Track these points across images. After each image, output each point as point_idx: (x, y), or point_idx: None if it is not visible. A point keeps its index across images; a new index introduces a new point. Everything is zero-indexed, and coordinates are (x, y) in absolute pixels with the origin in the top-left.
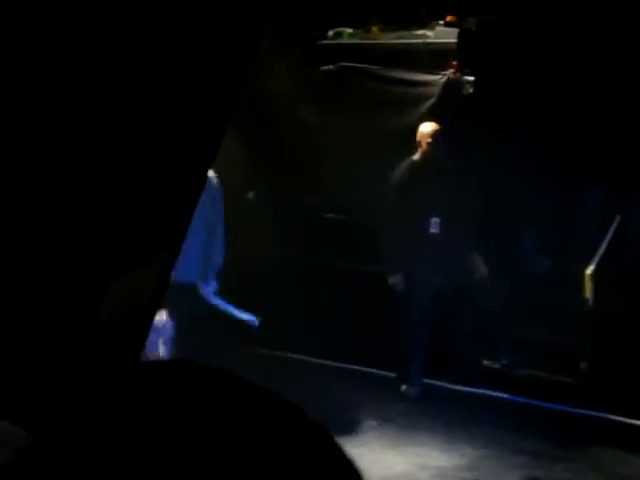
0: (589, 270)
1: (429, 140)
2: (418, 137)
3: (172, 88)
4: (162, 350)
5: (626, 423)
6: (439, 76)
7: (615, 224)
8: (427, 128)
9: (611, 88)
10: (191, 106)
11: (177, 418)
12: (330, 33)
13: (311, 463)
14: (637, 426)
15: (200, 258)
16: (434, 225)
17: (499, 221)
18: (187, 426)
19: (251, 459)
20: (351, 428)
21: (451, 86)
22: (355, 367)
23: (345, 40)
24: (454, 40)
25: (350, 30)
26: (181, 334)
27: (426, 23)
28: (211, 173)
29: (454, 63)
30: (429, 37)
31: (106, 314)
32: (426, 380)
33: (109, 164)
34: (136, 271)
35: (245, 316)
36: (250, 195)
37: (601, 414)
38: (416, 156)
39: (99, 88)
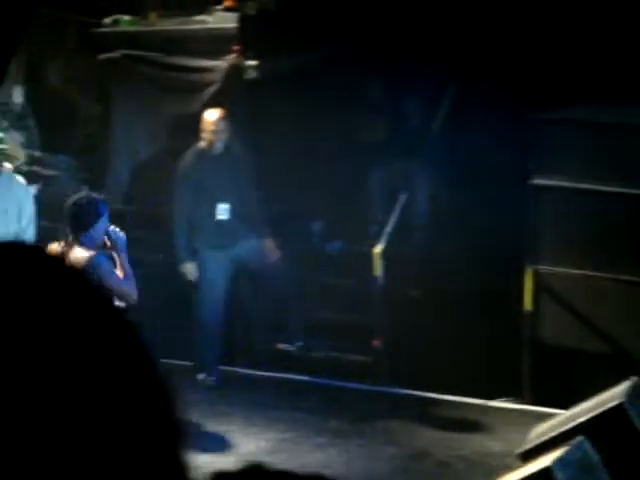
0: (377, 249)
1: (213, 127)
2: (203, 124)
3: None
4: None
5: (417, 396)
6: (221, 62)
7: (400, 202)
8: (211, 115)
9: (390, 75)
10: None
11: None
12: (107, 20)
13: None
14: (427, 398)
15: None
16: (221, 211)
17: (290, 205)
18: None
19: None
20: None
21: (233, 71)
22: None
23: (124, 28)
24: (234, 25)
25: (128, 17)
26: None
27: (205, 8)
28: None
29: (236, 48)
30: (209, 22)
31: None
32: (223, 367)
33: None
34: None
35: None
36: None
37: (394, 389)
38: (202, 143)
39: None
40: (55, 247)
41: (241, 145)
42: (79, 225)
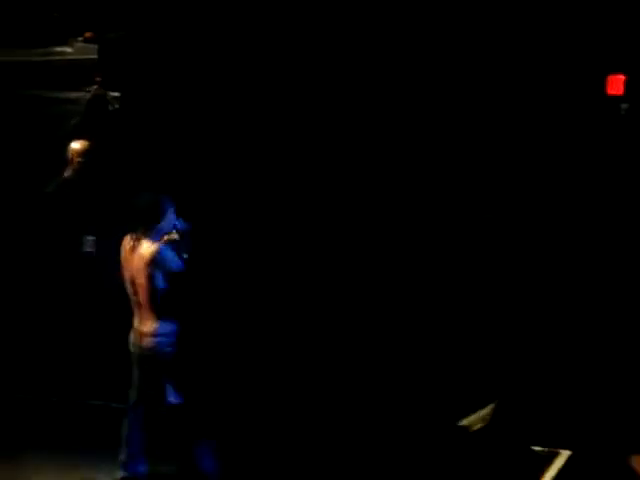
0: None
1: (79, 158)
2: (69, 154)
3: None
4: None
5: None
6: (83, 92)
7: None
8: (77, 145)
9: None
10: None
11: None
12: None
13: None
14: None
15: None
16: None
17: None
18: None
19: None
20: None
21: (96, 102)
22: None
23: None
24: (94, 56)
25: None
26: None
27: (64, 40)
28: None
29: (98, 79)
30: (69, 53)
31: None
32: None
33: None
34: None
35: None
36: None
37: None
38: (67, 172)
39: None
40: (127, 240)
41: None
42: (147, 221)
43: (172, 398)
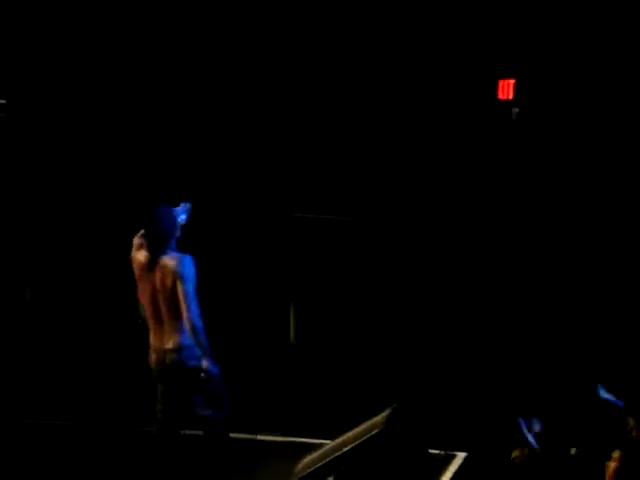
0: None
1: None
2: None
3: None
4: None
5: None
6: None
7: None
8: None
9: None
10: None
11: None
12: None
13: None
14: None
15: None
16: None
17: None
18: None
19: None
20: None
21: None
22: None
23: None
24: None
25: None
26: None
27: None
28: None
29: None
30: None
31: None
32: None
33: None
34: None
35: None
36: None
37: None
38: None
39: None
40: (141, 257)
41: None
42: (164, 235)
43: (202, 410)
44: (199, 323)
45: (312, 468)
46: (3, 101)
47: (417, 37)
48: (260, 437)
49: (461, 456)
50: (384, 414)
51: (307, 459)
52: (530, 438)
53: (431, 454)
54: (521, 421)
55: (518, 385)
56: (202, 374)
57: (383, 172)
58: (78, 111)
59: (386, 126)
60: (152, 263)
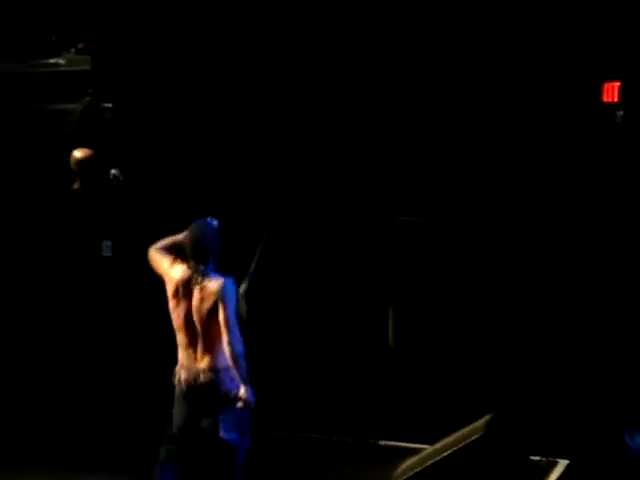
0: (242, 289)
1: (84, 165)
2: (72, 164)
3: None
4: None
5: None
6: (75, 104)
7: (263, 242)
8: (79, 154)
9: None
10: None
11: None
12: None
13: None
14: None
15: None
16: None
17: None
18: None
19: None
20: None
21: (88, 113)
22: None
23: None
24: (87, 67)
25: None
26: None
27: (58, 51)
28: None
29: (90, 90)
30: (62, 65)
31: None
32: None
33: None
34: None
35: None
36: None
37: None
38: (76, 185)
39: None
40: (181, 274)
41: None
42: (206, 253)
43: (227, 434)
44: (240, 348)
45: (411, 472)
46: (109, 104)
47: (522, 40)
48: (360, 441)
49: (563, 463)
50: (485, 419)
51: (407, 464)
52: (632, 449)
53: (532, 460)
54: (624, 432)
55: (624, 394)
56: (239, 402)
57: (486, 175)
58: (182, 113)
59: (490, 129)
60: (191, 282)
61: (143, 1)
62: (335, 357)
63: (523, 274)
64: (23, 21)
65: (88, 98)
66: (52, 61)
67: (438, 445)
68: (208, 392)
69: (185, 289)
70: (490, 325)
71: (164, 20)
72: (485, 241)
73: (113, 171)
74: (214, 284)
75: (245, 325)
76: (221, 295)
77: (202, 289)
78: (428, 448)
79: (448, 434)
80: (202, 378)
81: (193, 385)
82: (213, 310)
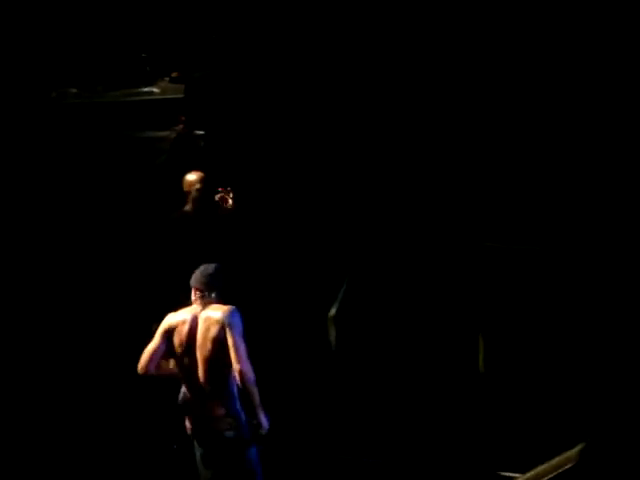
0: (331, 313)
1: (198, 187)
2: (186, 187)
3: None
4: None
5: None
6: (169, 132)
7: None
8: (193, 177)
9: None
10: None
11: None
12: (53, 94)
13: None
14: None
15: None
16: None
17: None
18: None
19: None
20: None
21: (181, 140)
22: None
23: (71, 100)
24: (180, 95)
25: (74, 90)
26: None
27: (152, 80)
28: None
29: (183, 118)
30: (156, 93)
31: None
32: None
33: None
34: None
35: None
36: None
37: None
38: (187, 207)
39: None
40: (183, 312)
41: None
42: (212, 288)
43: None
44: (251, 374)
45: None
46: (202, 132)
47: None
48: (452, 467)
49: None
50: (578, 448)
51: None
52: None
53: None
54: None
55: None
56: (261, 431)
57: (571, 201)
58: (273, 140)
59: (575, 154)
60: (197, 318)
61: (234, 31)
62: (425, 384)
63: (614, 298)
64: (119, 51)
65: (181, 126)
66: (146, 89)
67: (530, 473)
68: (227, 441)
69: (184, 330)
70: (582, 353)
71: (254, 49)
72: (575, 266)
73: (218, 195)
74: (217, 312)
75: (334, 350)
76: (226, 322)
77: (205, 320)
78: (519, 477)
79: (540, 462)
80: (216, 428)
81: (209, 435)
82: (218, 339)
